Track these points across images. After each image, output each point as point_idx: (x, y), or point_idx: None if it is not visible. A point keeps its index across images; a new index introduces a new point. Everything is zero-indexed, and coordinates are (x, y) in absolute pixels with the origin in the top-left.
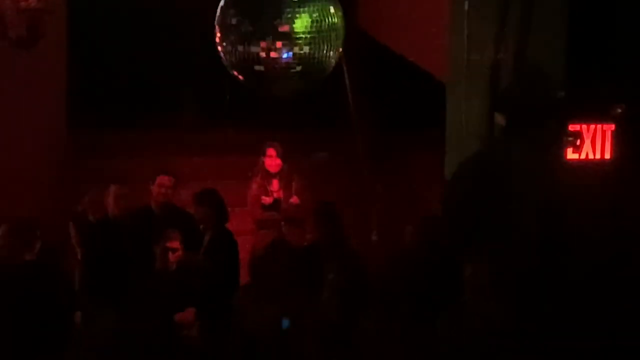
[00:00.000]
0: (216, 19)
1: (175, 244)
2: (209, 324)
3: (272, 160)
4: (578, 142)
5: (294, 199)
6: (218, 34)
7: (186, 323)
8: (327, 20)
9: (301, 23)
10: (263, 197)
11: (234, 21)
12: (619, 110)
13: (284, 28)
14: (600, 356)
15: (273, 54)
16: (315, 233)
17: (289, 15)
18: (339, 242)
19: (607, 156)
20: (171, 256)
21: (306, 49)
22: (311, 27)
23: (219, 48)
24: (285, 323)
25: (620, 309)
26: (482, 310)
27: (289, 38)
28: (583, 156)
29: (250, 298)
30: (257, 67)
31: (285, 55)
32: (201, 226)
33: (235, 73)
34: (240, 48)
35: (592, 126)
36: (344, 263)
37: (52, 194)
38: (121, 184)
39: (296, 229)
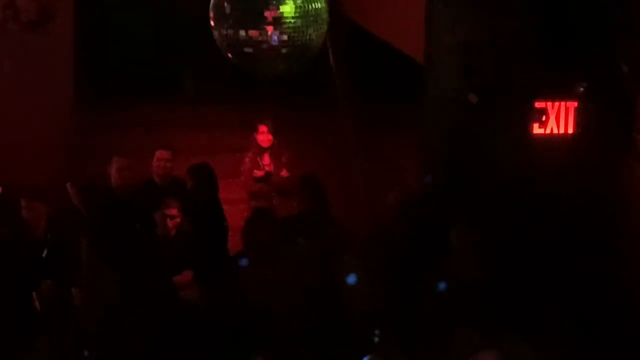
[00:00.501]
0: (210, 3)
1: (174, 212)
2: (205, 285)
3: (263, 136)
4: (544, 118)
5: (284, 172)
6: (212, 18)
7: (184, 284)
8: (311, 6)
9: (288, 9)
10: (255, 170)
11: (225, 6)
12: (582, 89)
13: (272, 13)
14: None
15: (262, 38)
16: (300, 202)
17: (276, 2)
18: (322, 210)
19: (570, 131)
20: (170, 222)
21: (292, 33)
22: (296, 12)
23: (213, 31)
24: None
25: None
26: (465, 267)
27: (277, 23)
28: (548, 131)
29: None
30: (246, 49)
31: (273, 39)
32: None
33: (228, 54)
34: (230, 32)
35: (557, 103)
36: (325, 229)
37: (59, 164)
38: (123, 156)
39: (286, 200)
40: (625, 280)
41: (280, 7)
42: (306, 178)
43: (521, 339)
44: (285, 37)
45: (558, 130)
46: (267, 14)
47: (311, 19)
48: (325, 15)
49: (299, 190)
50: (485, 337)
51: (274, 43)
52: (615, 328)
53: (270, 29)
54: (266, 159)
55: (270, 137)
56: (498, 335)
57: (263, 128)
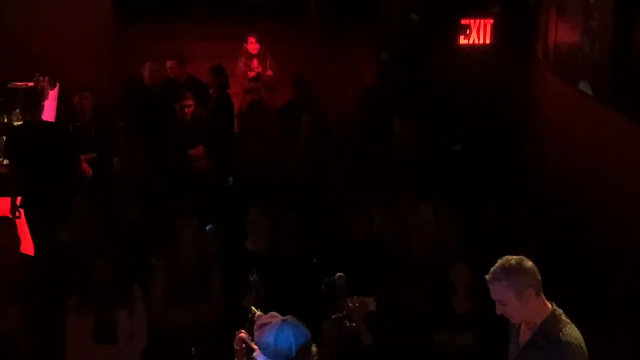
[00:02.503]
0: None
1: (190, 102)
2: (213, 157)
3: (252, 45)
4: (468, 32)
5: (269, 73)
6: None
7: (197, 156)
8: None
9: None
10: (248, 72)
11: None
12: (496, 9)
13: None
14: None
15: None
16: (294, 95)
17: None
18: (311, 100)
19: (488, 41)
20: (187, 110)
21: None
22: None
23: None
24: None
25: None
26: (404, 146)
27: None
28: (471, 42)
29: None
30: None
31: None
32: (210, 90)
33: None
34: None
35: (477, 20)
36: (315, 115)
37: (104, 67)
38: (153, 61)
39: (271, 94)
40: (525, 153)
41: None
42: (297, 76)
43: (448, 204)
44: None
45: (478, 41)
46: None
47: None
48: None
49: (293, 84)
50: (421, 199)
51: None
52: (524, 191)
53: None
54: (255, 63)
55: (257, 45)
56: (430, 199)
57: (252, 39)
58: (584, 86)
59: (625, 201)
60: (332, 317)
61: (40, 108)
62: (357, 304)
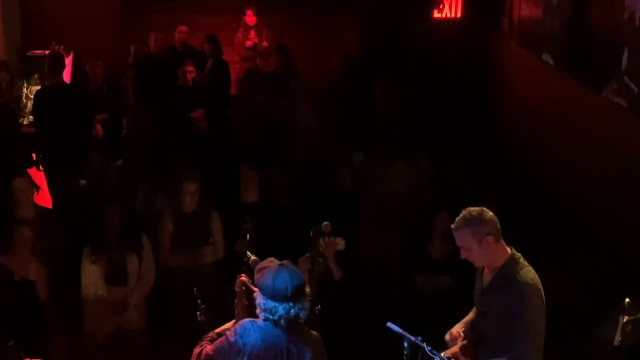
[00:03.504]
0: None
1: (191, 68)
2: (212, 118)
3: (250, 17)
4: (441, 6)
5: (265, 44)
6: None
7: (197, 118)
8: None
9: None
10: (246, 42)
11: None
12: None
13: None
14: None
15: None
16: (276, 63)
17: None
18: (293, 68)
19: (459, 15)
20: (188, 76)
21: None
22: None
23: None
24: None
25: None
26: (383, 106)
27: None
28: (444, 15)
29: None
30: None
31: None
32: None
33: None
34: None
35: None
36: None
37: (114, 36)
38: (158, 32)
39: (266, 62)
40: (491, 115)
41: None
42: (280, 46)
43: (424, 155)
44: None
45: (451, 14)
46: None
47: None
48: None
49: (275, 53)
50: (398, 154)
51: None
52: (490, 149)
53: None
54: (252, 34)
55: (254, 18)
56: (406, 153)
57: (250, 12)
58: (546, 57)
59: (578, 156)
60: (306, 254)
61: (62, 72)
62: (327, 244)
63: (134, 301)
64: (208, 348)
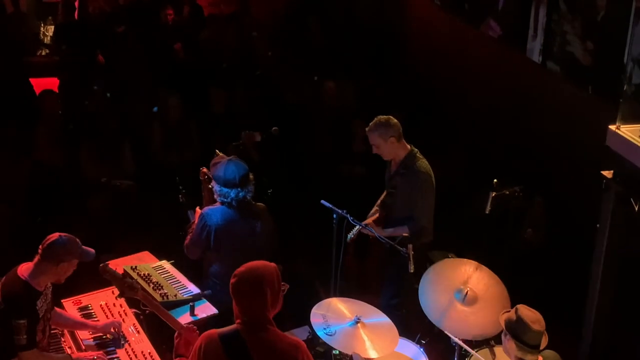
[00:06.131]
0: None
1: (170, 11)
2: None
3: None
4: None
5: None
6: None
7: (177, 49)
8: None
9: None
10: None
11: None
12: None
13: None
14: None
15: None
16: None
17: None
18: (248, 8)
19: None
20: (169, 17)
21: None
22: None
23: None
24: None
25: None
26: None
27: None
28: None
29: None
30: None
31: None
32: None
33: None
34: None
35: None
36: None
37: None
38: None
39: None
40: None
41: None
42: None
43: (347, 78)
44: None
45: None
46: None
47: None
48: None
49: None
50: (327, 76)
51: None
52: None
53: None
54: None
55: None
56: (335, 75)
57: None
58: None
59: (463, 77)
60: (233, 144)
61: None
62: (248, 136)
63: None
64: (187, 239)
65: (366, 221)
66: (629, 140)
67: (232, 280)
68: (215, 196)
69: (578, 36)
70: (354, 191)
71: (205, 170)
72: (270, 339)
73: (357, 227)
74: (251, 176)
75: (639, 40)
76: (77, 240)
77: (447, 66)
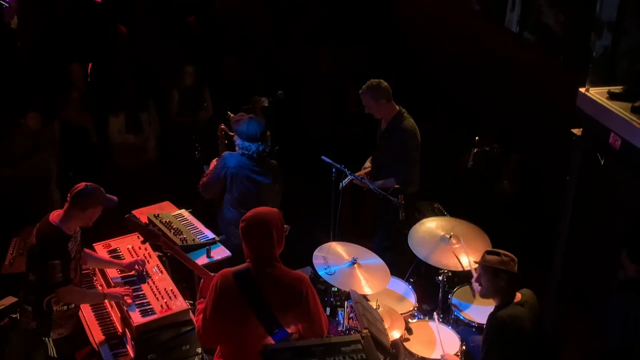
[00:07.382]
0: None
1: None
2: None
3: None
4: None
5: None
6: None
7: (191, 21)
8: None
9: None
10: None
11: None
12: None
13: None
14: None
15: None
16: None
17: None
18: None
19: None
20: None
21: None
22: None
23: None
24: None
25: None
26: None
27: None
28: None
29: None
30: None
31: None
32: None
33: None
34: None
35: None
36: None
37: None
38: None
39: None
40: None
41: None
42: None
43: (341, 46)
44: None
45: None
46: None
47: None
48: None
49: None
50: (321, 45)
51: None
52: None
53: None
54: None
55: None
56: (329, 44)
57: None
58: None
59: (449, 46)
60: (244, 107)
61: None
62: (255, 101)
63: (152, 144)
64: (203, 180)
65: (359, 173)
66: (597, 102)
67: (241, 225)
68: (237, 150)
69: (551, 8)
70: (349, 147)
71: (222, 126)
72: (277, 273)
73: (349, 177)
74: (268, 133)
75: (607, 8)
76: (101, 188)
77: (436, 39)
